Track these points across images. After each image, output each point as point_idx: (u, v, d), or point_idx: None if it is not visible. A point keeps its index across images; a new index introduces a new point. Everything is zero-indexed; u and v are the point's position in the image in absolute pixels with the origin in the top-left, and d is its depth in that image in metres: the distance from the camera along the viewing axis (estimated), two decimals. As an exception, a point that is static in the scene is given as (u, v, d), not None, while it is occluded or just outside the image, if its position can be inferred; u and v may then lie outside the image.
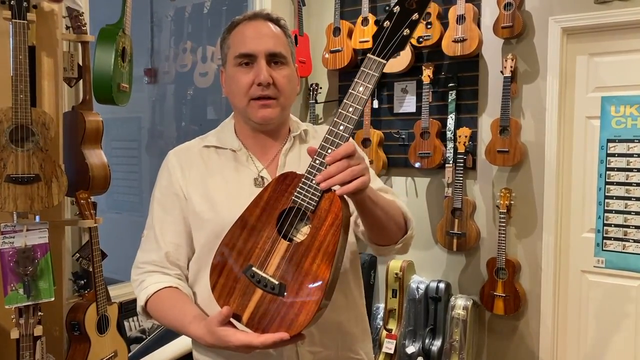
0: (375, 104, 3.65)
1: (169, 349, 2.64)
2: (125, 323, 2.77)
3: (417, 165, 3.46)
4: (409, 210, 1.43)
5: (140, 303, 1.39)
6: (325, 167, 1.11)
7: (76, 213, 2.30)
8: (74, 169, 2.28)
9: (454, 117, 3.36)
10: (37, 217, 2.17)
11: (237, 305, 1.14)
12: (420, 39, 3.35)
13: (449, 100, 3.37)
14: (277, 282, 1.11)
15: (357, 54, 3.70)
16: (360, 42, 3.59)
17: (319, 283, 1.08)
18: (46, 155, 2.01)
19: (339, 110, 1.13)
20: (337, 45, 3.67)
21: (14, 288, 2.00)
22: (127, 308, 2.76)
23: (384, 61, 1.12)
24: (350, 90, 1.13)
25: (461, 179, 3.30)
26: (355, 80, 1.13)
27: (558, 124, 3.15)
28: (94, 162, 2.32)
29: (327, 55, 3.72)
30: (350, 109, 1.13)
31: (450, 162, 3.35)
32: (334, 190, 1.11)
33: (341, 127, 1.13)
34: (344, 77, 3.86)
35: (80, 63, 2.38)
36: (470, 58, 3.33)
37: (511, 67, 3.14)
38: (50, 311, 2.22)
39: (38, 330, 2.05)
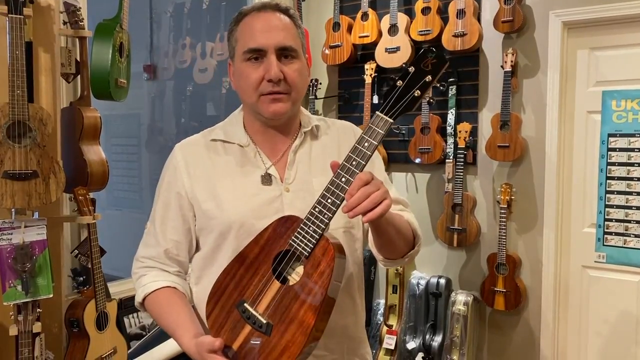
0: (375, 100, 3.63)
1: (168, 345, 2.64)
2: (125, 319, 2.77)
3: (417, 160, 3.44)
4: (413, 208, 1.44)
5: (137, 299, 1.40)
6: (324, 216, 1.15)
7: (74, 209, 2.30)
8: (72, 165, 2.28)
9: (454, 112, 3.34)
10: (36, 214, 2.17)
11: (226, 338, 1.19)
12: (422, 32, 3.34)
13: (449, 95, 3.35)
14: (265, 321, 1.16)
15: (356, 49, 3.69)
16: (359, 37, 3.57)
17: (304, 328, 1.12)
18: (44, 151, 2.00)
19: (342, 162, 1.16)
20: (336, 41, 3.66)
21: (12, 285, 1.99)
22: (127, 305, 2.75)
23: (391, 120, 1.14)
24: (355, 144, 1.16)
25: (461, 174, 3.29)
26: (362, 135, 1.16)
27: (559, 119, 3.13)
28: (92, 158, 2.31)
29: (326, 51, 3.70)
30: (354, 163, 1.15)
31: (451, 157, 3.33)
32: (329, 239, 1.16)
33: (343, 179, 1.15)
34: (344, 72, 3.85)
35: (78, 59, 2.37)
36: (470, 53, 3.31)
37: (511, 61, 3.12)
38: (49, 308, 2.22)
39: (37, 327, 2.05)
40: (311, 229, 1.15)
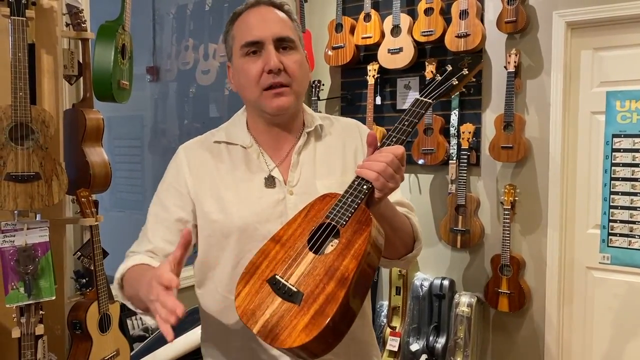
0: (378, 101, 3.63)
1: (171, 347, 2.63)
2: (128, 321, 2.76)
3: (420, 161, 3.43)
4: (416, 209, 1.42)
5: (117, 275, 1.32)
6: (363, 187, 1.15)
7: (77, 211, 2.29)
8: (74, 167, 2.27)
9: (457, 113, 3.34)
10: (38, 216, 2.16)
11: (253, 313, 1.11)
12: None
13: (452, 96, 3.34)
14: (295, 290, 1.10)
15: (359, 50, 3.68)
16: (362, 38, 3.57)
17: (335, 300, 1.05)
18: (46, 153, 2.00)
19: (382, 140, 1.20)
20: (339, 42, 3.65)
21: (14, 287, 1.99)
22: (130, 306, 2.75)
23: (430, 101, 1.23)
24: (396, 124, 1.22)
25: (465, 175, 3.28)
26: (402, 116, 1.22)
27: (562, 120, 3.12)
28: (94, 160, 2.30)
29: (329, 52, 3.70)
30: (394, 139, 1.20)
31: (454, 158, 3.32)
32: (367, 209, 1.14)
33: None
34: (347, 73, 3.84)
35: (81, 60, 2.37)
36: (473, 53, 3.30)
37: (515, 62, 3.11)
38: (51, 310, 2.21)
39: (39, 329, 2.04)
40: (349, 199, 1.14)
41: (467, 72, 1.25)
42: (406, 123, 1.20)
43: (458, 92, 3.32)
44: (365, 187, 1.14)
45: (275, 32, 1.29)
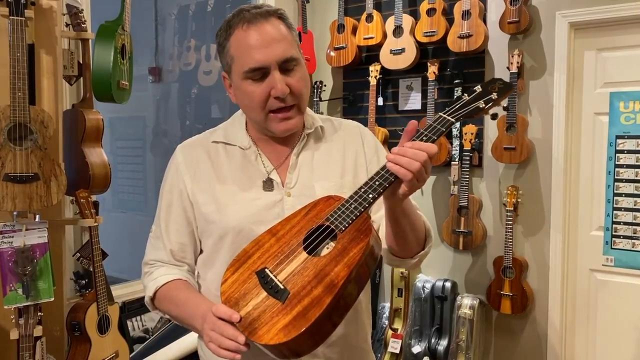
0: (380, 102, 3.61)
1: (171, 348, 2.62)
2: (129, 323, 2.76)
3: (422, 163, 3.41)
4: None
5: (148, 294, 1.36)
6: (369, 195, 1.12)
7: (76, 212, 2.29)
8: (74, 167, 2.27)
9: (459, 114, 3.32)
10: (37, 217, 2.16)
11: (236, 302, 1.12)
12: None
13: (455, 97, 3.32)
14: (282, 287, 1.09)
15: (361, 51, 3.67)
16: (364, 38, 3.55)
17: (320, 305, 1.05)
18: (45, 153, 1.99)
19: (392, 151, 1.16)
20: (341, 42, 3.64)
21: (13, 288, 1.98)
22: (130, 308, 2.75)
23: (453, 120, 1.18)
24: (414, 137, 1.17)
25: (467, 176, 3.26)
26: (421, 130, 1.18)
27: (566, 121, 3.10)
28: (94, 161, 2.30)
29: (331, 53, 3.69)
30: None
31: (456, 159, 3.31)
32: (370, 217, 1.13)
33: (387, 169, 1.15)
34: (349, 74, 3.83)
35: (80, 61, 2.36)
36: (476, 54, 3.29)
37: (518, 63, 3.09)
38: (50, 311, 2.21)
39: (38, 331, 2.04)
40: (352, 206, 1.13)
41: (496, 96, 1.19)
42: (424, 139, 1.15)
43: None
44: (370, 196, 1.12)
45: (279, 55, 1.23)
